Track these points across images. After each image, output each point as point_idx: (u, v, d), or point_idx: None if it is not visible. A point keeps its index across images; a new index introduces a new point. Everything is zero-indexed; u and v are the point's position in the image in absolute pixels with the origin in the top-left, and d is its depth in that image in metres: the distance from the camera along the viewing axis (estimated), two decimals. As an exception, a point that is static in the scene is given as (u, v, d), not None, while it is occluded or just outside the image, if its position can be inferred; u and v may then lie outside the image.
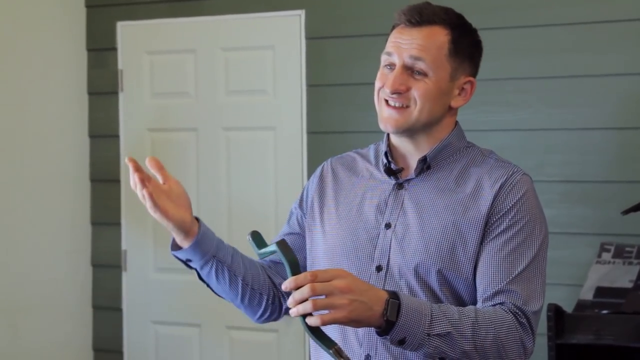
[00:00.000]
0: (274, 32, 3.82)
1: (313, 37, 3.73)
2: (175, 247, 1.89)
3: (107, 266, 4.13)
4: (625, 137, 3.27)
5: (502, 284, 1.80)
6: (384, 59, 1.90)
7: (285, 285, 1.62)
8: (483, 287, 1.81)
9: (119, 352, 4.11)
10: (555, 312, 2.78)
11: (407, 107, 1.85)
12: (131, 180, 1.78)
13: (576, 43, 3.32)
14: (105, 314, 4.15)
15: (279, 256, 1.65)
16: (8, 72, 3.77)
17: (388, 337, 1.68)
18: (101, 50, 4.10)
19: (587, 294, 2.95)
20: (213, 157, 3.94)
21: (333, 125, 3.70)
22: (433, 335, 1.69)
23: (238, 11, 3.86)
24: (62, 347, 4.05)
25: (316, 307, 1.60)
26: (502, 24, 3.41)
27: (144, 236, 4.05)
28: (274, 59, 3.82)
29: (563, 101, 3.35)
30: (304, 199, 2.04)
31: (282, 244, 1.65)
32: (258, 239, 1.71)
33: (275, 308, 2.01)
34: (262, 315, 2.01)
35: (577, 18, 3.31)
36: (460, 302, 1.83)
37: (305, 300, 1.60)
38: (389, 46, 1.89)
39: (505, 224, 1.83)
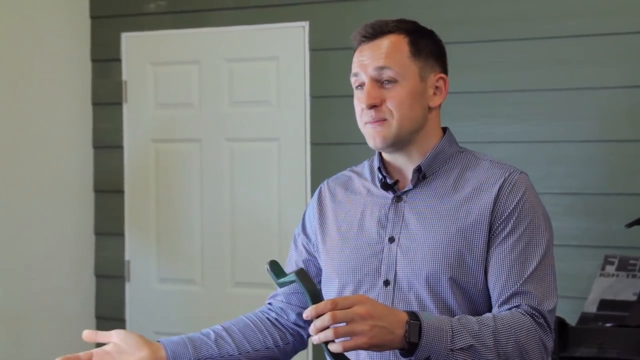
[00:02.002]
0: (278, 43, 3.82)
1: (317, 49, 3.74)
2: None
3: (110, 276, 4.13)
4: (630, 149, 3.27)
5: (516, 286, 1.80)
6: (352, 81, 1.91)
7: (306, 314, 1.63)
8: (497, 292, 1.82)
9: (121, 363, 4.11)
10: (559, 325, 2.77)
11: (385, 120, 1.86)
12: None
13: (580, 55, 3.32)
14: (108, 324, 4.14)
15: (299, 285, 1.65)
16: (13, 82, 3.78)
17: (413, 358, 1.68)
18: (105, 61, 4.11)
19: (591, 307, 2.94)
20: (217, 168, 3.94)
21: (336, 136, 3.70)
22: (456, 350, 1.70)
23: (242, 22, 3.87)
24: (65, 357, 4.04)
25: (337, 335, 1.61)
26: (507, 36, 3.41)
27: (148, 247, 4.05)
28: (277, 70, 3.82)
29: (567, 113, 3.34)
30: (307, 225, 2.04)
31: (300, 273, 1.65)
32: (276, 269, 1.70)
33: (296, 343, 2.01)
34: (286, 356, 2.01)
35: (582, 30, 3.31)
36: (474, 309, 1.83)
37: (327, 328, 1.61)
38: (354, 67, 1.90)
39: (510, 226, 1.83)
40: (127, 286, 4.10)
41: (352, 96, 3.73)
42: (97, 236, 4.15)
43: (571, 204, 3.31)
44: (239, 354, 1.94)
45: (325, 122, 3.73)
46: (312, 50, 3.75)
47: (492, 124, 3.41)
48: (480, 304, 1.84)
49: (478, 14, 3.44)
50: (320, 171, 3.67)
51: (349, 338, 1.63)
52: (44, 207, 3.92)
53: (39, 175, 3.90)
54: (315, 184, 3.71)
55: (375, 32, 1.88)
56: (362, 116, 1.88)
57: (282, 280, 1.68)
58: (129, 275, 4.10)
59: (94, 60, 4.13)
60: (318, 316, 1.61)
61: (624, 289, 2.96)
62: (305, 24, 3.76)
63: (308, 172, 3.77)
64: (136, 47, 4.07)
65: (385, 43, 1.87)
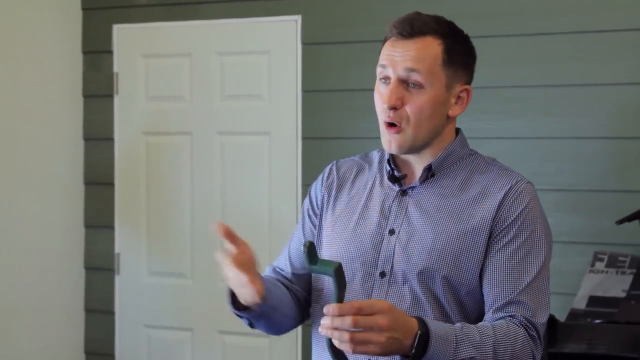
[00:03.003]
0: (270, 37, 3.82)
1: (309, 43, 3.73)
2: (234, 302, 1.86)
3: (100, 269, 4.12)
4: (620, 146, 3.28)
5: (512, 295, 1.81)
6: (379, 71, 1.89)
7: (329, 310, 1.62)
8: (492, 298, 1.83)
9: (110, 356, 4.10)
10: (549, 321, 2.77)
11: (400, 125, 1.85)
12: (228, 250, 1.73)
13: (572, 52, 3.32)
14: (98, 317, 4.14)
15: (332, 280, 1.63)
16: (3, 74, 3.76)
17: None
18: (97, 53, 4.09)
19: (580, 303, 2.95)
20: (207, 161, 3.93)
21: (328, 130, 3.70)
22: None
23: (234, 15, 3.86)
24: (54, 350, 4.04)
25: (353, 341, 1.61)
26: (499, 32, 3.42)
27: (138, 240, 4.05)
28: (269, 64, 3.81)
29: (559, 110, 3.35)
30: (313, 200, 2.03)
31: (339, 270, 1.63)
32: (312, 253, 1.65)
33: (297, 323, 2.02)
34: (285, 332, 2.02)
35: (574, 27, 3.31)
36: (463, 309, 1.85)
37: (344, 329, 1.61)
38: (383, 59, 1.88)
39: (511, 234, 1.84)
40: (117, 279, 4.10)
41: (343, 90, 3.75)
42: (87, 229, 4.14)
43: (562, 200, 3.32)
44: (286, 318, 1.95)
45: (317, 116, 3.73)
46: (304, 44, 3.74)
47: (484, 120, 3.41)
48: (470, 305, 1.85)
49: (471, 10, 3.44)
50: (311, 165, 3.67)
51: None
52: (34, 199, 3.91)
53: (29, 167, 3.89)
54: (306, 178, 3.70)
55: (414, 31, 1.85)
56: (382, 113, 1.88)
57: (316, 268, 1.64)
58: (119, 268, 4.09)
59: (85, 52, 4.11)
60: (339, 315, 1.61)
61: (613, 286, 2.96)
62: (298, 18, 3.75)
63: (299, 167, 3.77)
64: (127, 39, 4.06)
65: (420, 45, 1.85)
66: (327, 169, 2.05)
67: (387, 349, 1.64)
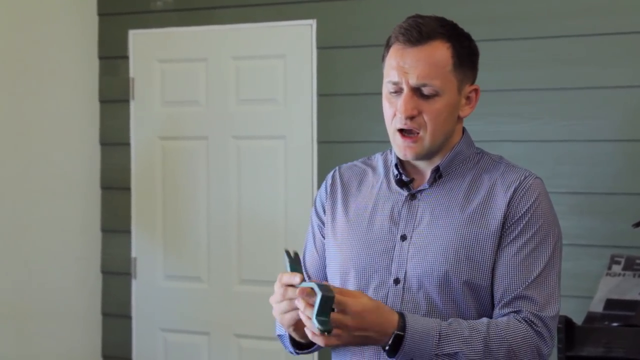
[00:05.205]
0: (285, 41, 3.83)
1: (324, 47, 3.74)
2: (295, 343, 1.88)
3: (116, 273, 4.14)
4: (634, 148, 3.27)
5: (519, 290, 1.81)
6: (389, 86, 1.87)
7: (301, 291, 1.64)
8: (500, 294, 1.83)
9: (127, 360, 4.13)
10: (566, 324, 2.77)
11: (419, 133, 1.85)
12: (300, 304, 1.69)
13: (586, 55, 3.32)
14: (115, 321, 4.15)
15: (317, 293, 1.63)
16: (20, 79, 3.79)
17: (395, 358, 1.72)
18: (113, 58, 4.12)
19: (597, 307, 2.94)
20: (223, 166, 3.95)
21: (343, 134, 3.71)
22: (442, 355, 1.72)
23: (249, 20, 3.87)
24: (71, 354, 4.06)
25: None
26: (513, 36, 3.41)
27: (154, 244, 4.06)
28: (284, 68, 3.82)
29: (572, 113, 3.34)
30: (321, 213, 2.03)
31: (326, 288, 1.64)
32: (295, 263, 1.69)
33: None
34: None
35: (587, 30, 3.31)
36: (483, 308, 1.84)
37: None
38: (393, 73, 1.85)
39: (519, 229, 1.84)
40: (134, 283, 4.11)
41: (358, 94, 3.75)
42: (103, 233, 4.16)
43: (577, 203, 3.31)
44: None
45: (332, 120, 3.74)
46: (319, 48, 3.75)
47: (499, 122, 3.41)
48: (489, 303, 1.85)
49: (486, 13, 3.44)
50: (327, 169, 3.65)
51: None
52: (51, 204, 3.93)
53: (46, 172, 3.91)
54: (321, 181, 3.70)
55: (422, 36, 1.83)
56: (395, 121, 1.86)
57: (305, 284, 1.66)
58: (136, 272, 4.11)
59: (102, 57, 4.14)
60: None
61: (631, 289, 2.95)
62: (313, 22, 3.76)
63: (314, 170, 3.77)
64: (143, 44, 4.08)
65: (429, 52, 1.83)
66: (329, 177, 2.04)
67: (351, 344, 1.68)
